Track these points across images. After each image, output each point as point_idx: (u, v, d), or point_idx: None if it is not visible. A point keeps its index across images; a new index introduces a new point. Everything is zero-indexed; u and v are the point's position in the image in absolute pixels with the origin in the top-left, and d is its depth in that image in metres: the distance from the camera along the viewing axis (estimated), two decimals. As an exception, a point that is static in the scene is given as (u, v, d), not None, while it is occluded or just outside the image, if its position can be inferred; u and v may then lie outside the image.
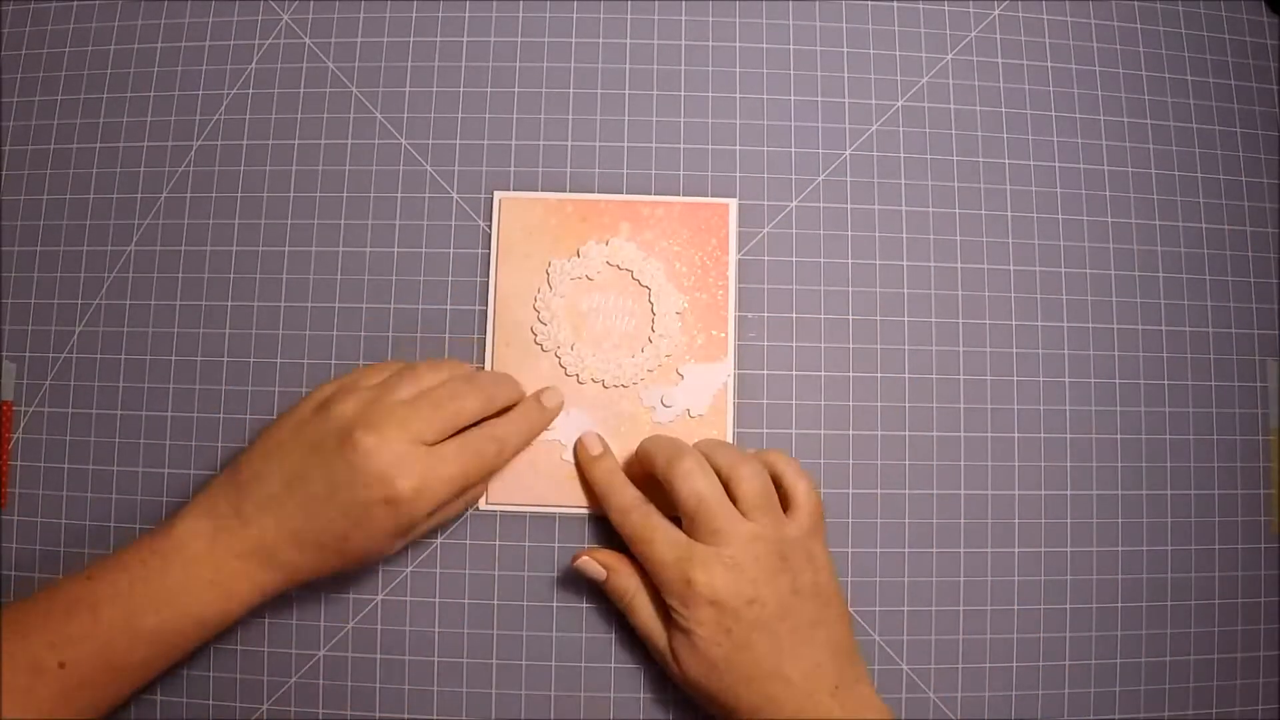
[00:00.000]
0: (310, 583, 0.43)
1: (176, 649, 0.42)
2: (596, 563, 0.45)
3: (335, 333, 0.50)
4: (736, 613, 0.41)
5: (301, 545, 0.41)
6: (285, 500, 0.41)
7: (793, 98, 0.52)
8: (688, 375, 0.49)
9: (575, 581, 0.48)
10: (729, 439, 0.49)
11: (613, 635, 0.48)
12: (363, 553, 0.42)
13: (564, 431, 0.48)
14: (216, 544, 0.41)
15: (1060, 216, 0.51)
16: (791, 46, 0.52)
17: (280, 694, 0.47)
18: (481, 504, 0.48)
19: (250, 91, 0.52)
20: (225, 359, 0.50)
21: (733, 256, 0.50)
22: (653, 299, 0.49)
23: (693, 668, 0.42)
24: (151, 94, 0.52)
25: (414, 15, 0.53)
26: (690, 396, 0.49)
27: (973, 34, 0.53)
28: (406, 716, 0.47)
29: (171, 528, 0.42)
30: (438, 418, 0.42)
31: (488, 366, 0.49)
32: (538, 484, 0.48)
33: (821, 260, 0.50)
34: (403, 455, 0.41)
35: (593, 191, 0.51)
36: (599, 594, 0.48)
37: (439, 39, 0.52)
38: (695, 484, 0.43)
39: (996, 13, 0.53)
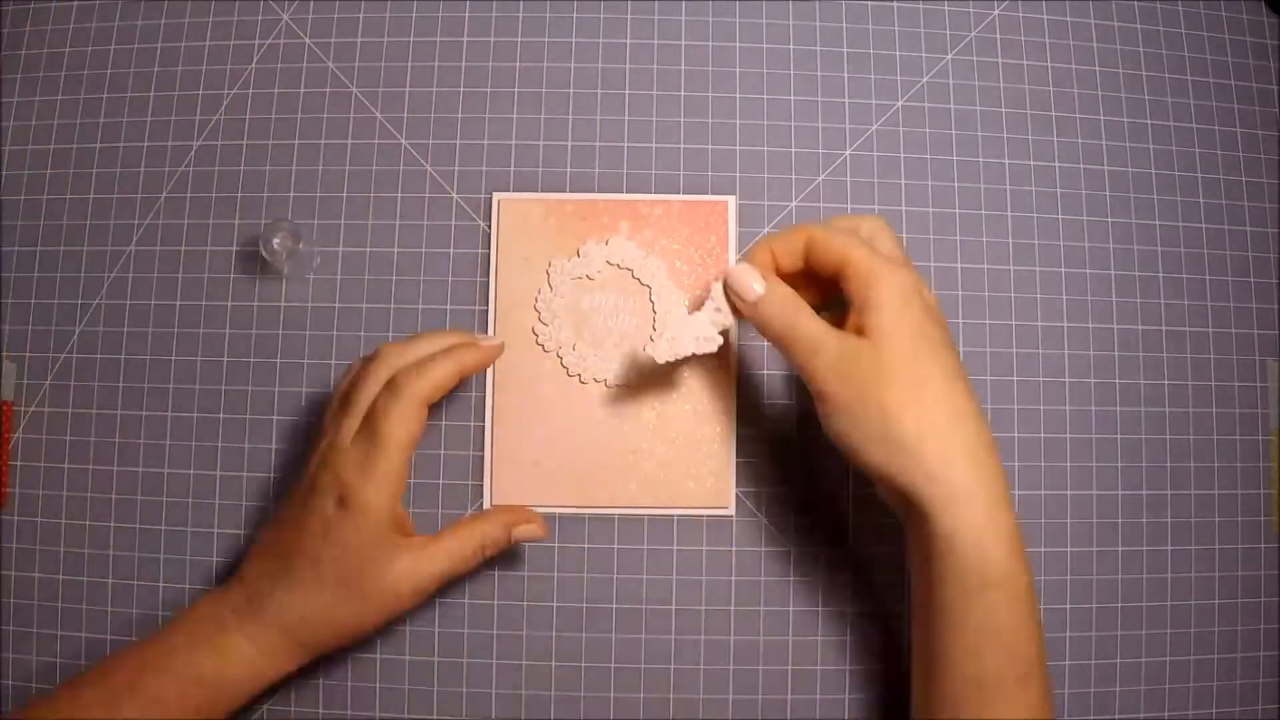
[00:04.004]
0: (318, 653, 0.42)
1: (180, 715, 0.40)
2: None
3: (335, 333, 0.50)
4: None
5: (279, 580, 0.41)
6: (266, 539, 0.43)
7: (793, 98, 0.52)
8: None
9: (575, 581, 0.48)
10: (731, 430, 0.49)
11: (613, 635, 0.48)
12: (339, 576, 0.40)
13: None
14: (221, 603, 0.42)
15: (1060, 216, 0.51)
16: (791, 46, 0.52)
17: (280, 693, 0.47)
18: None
19: (250, 91, 0.52)
20: (225, 359, 0.50)
21: (733, 255, 0.50)
22: (653, 297, 0.49)
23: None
24: (151, 94, 0.52)
25: (414, 15, 0.52)
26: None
27: (973, 34, 0.53)
28: (406, 716, 0.47)
29: (197, 597, 0.43)
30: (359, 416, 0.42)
31: (489, 368, 0.49)
32: (539, 484, 0.48)
33: (822, 260, 0.50)
34: (343, 455, 0.41)
35: (592, 191, 0.51)
36: (598, 594, 0.48)
37: (439, 39, 0.52)
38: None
39: (996, 13, 0.53)
